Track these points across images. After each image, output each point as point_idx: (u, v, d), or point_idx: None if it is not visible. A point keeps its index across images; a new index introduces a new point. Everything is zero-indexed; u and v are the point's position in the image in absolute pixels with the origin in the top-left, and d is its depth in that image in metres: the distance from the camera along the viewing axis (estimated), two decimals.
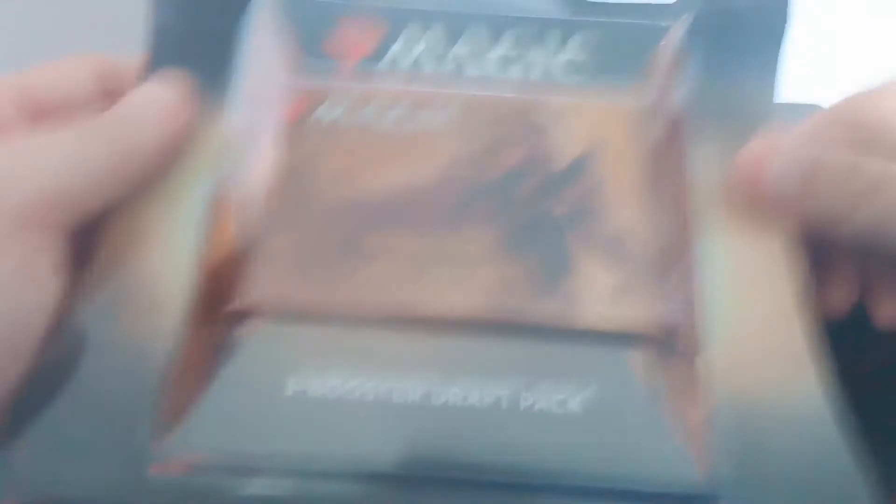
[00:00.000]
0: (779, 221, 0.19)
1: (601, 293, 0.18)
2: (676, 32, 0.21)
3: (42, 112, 0.19)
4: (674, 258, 0.19)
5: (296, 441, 0.17)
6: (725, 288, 0.18)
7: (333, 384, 0.17)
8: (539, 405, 0.17)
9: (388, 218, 0.19)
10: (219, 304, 0.18)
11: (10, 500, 0.16)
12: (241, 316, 0.18)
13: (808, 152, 0.19)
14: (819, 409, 0.17)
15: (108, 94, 0.20)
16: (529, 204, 0.19)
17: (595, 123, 0.20)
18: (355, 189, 0.19)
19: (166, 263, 0.18)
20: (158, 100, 0.19)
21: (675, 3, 0.22)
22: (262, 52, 0.21)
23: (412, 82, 0.21)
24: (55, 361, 0.17)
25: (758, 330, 0.18)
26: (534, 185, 0.19)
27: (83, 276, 0.18)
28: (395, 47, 0.21)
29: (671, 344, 0.18)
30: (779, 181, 0.19)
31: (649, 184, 0.20)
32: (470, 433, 0.17)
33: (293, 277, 0.18)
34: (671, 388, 0.17)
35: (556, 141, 0.20)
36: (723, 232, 0.19)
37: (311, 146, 0.20)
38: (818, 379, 0.17)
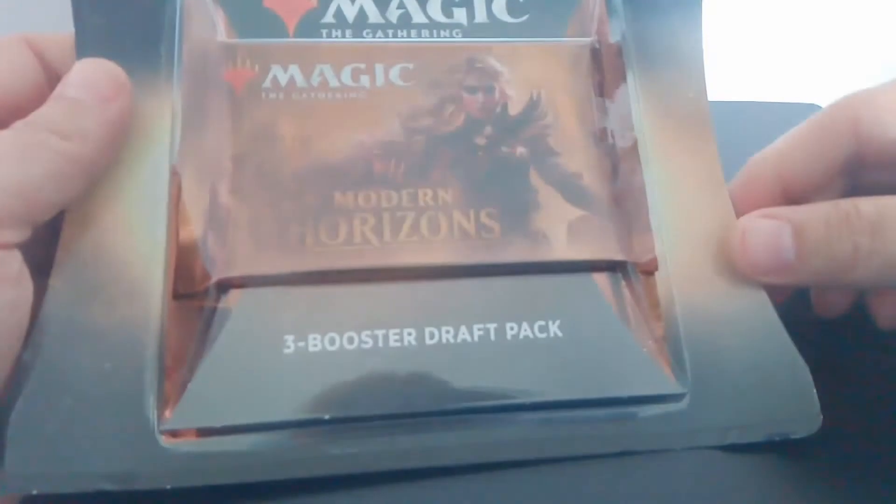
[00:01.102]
0: (710, 145, 0.21)
1: (566, 226, 0.20)
2: None
3: None
4: (625, 187, 0.20)
5: (305, 392, 0.18)
6: (672, 210, 0.20)
7: (331, 337, 0.18)
8: (524, 333, 0.19)
9: (358, 176, 0.19)
10: (199, 277, 0.18)
11: (24, 491, 0.16)
12: (225, 287, 0.18)
13: (789, 215, 0.19)
14: (762, 310, 0.20)
15: (50, 70, 0.19)
16: (491, 149, 0.20)
17: (543, 63, 0.21)
18: (321, 151, 0.19)
19: (134, 243, 0.18)
20: (94, 81, 0.18)
21: None
22: (198, 14, 0.20)
23: (359, 33, 0.21)
24: (43, 356, 0.17)
25: (704, 244, 0.20)
26: (493, 130, 0.20)
27: (51, 269, 0.18)
28: None
29: (632, 266, 0.20)
30: (768, 257, 0.19)
31: (597, 118, 0.21)
32: (466, 365, 0.18)
33: (272, 243, 0.18)
34: (636, 305, 0.20)
35: (509, 83, 0.21)
36: (663, 159, 0.21)
37: (268, 111, 0.20)
38: (756, 285, 0.20)
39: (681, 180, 0.21)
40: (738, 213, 0.20)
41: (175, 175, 0.19)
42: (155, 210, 0.18)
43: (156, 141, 0.19)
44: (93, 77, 0.18)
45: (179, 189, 0.19)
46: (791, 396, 0.19)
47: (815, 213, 0.19)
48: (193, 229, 0.18)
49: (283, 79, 0.20)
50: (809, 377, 0.19)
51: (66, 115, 0.17)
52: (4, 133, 0.17)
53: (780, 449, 0.19)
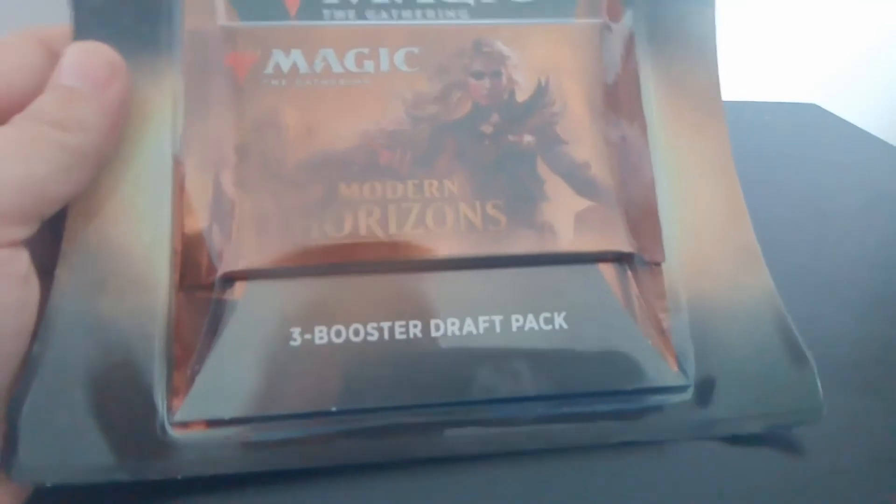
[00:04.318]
0: (721, 132, 0.21)
1: (573, 218, 0.19)
2: None
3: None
4: (633, 176, 0.20)
5: (312, 385, 0.18)
6: (680, 199, 0.20)
7: (337, 329, 0.18)
8: (529, 325, 0.19)
9: (363, 166, 0.19)
10: (205, 270, 0.18)
11: (34, 483, 0.17)
12: (231, 279, 0.18)
13: None
14: (769, 301, 0.20)
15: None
16: (497, 137, 0.20)
17: (551, 47, 0.21)
18: (325, 140, 0.19)
19: (138, 234, 0.18)
20: (88, 67, 0.18)
21: None
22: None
23: (363, 14, 0.20)
24: (52, 348, 0.17)
25: (713, 234, 0.20)
26: (500, 117, 0.20)
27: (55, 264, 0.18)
28: None
29: (639, 257, 0.20)
30: None
31: (607, 104, 0.21)
32: (471, 357, 0.18)
33: (277, 237, 0.18)
34: (642, 296, 0.20)
35: (517, 69, 0.20)
36: (673, 147, 0.20)
37: (271, 99, 0.19)
38: (764, 277, 0.20)
39: (690, 169, 0.20)
40: None
41: (178, 164, 0.19)
42: (158, 200, 0.18)
43: (157, 127, 0.19)
44: (86, 62, 0.18)
45: (183, 179, 0.18)
46: (795, 389, 0.19)
47: None
48: (198, 221, 0.18)
49: (285, 65, 0.20)
50: (814, 370, 0.19)
51: (62, 105, 0.17)
52: (4, 128, 0.16)
53: (782, 441, 0.19)
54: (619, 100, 0.21)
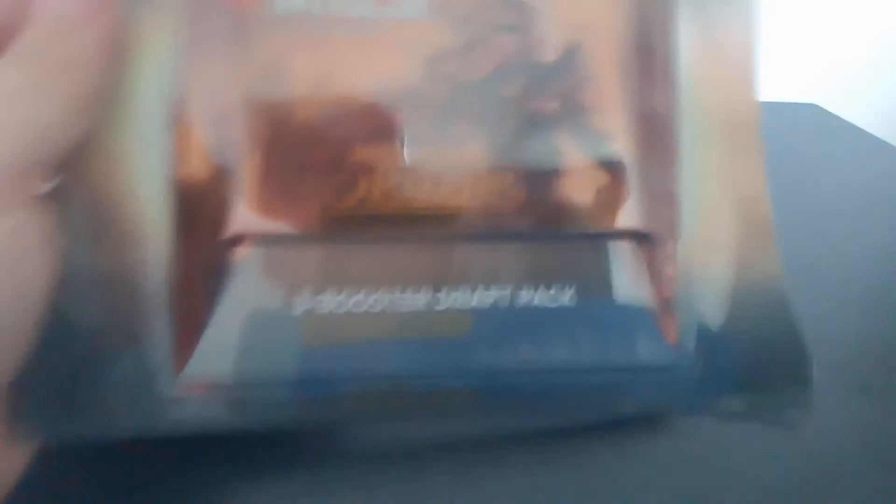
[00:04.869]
0: (753, 100, 0.20)
1: (591, 193, 0.19)
2: None
3: None
4: (658, 150, 0.19)
5: (315, 350, 0.18)
6: (701, 176, 0.19)
7: (339, 300, 0.18)
8: (536, 301, 0.18)
9: (378, 128, 0.18)
10: (207, 229, 0.17)
11: (34, 441, 0.17)
12: (235, 242, 0.17)
13: None
14: (773, 284, 0.20)
15: None
16: (520, 103, 0.19)
17: (581, 4, 0.19)
18: (338, 96, 0.18)
19: (135, 186, 0.17)
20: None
21: None
22: None
23: None
24: (52, 304, 0.17)
25: (728, 214, 0.20)
26: (524, 80, 0.19)
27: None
28: None
29: (654, 236, 0.19)
30: None
31: (638, 70, 0.19)
32: (477, 329, 0.18)
33: (286, 199, 0.17)
34: (652, 275, 0.19)
35: (544, 26, 0.19)
36: (705, 119, 0.19)
37: (277, 43, 0.18)
38: (773, 256, 0.20)
39: (718, 144, 0.20)
40: None
41: (178, 112, 0.17)
42: (155, 151, 0.17)
43: (154, 66, 0.17)
44: None
45: (184, 129, 0.17)
46: (789, 373, 0.20)
47: None
48: (199, 178, 0.17)
49: (296, 4, 0.18)
50: (809, 355, 0.20)
51: (57, 39, 0.15)
52: (9, 70, 0.15)
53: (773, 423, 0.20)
54: (652, 65, 0.19)
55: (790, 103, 0.41)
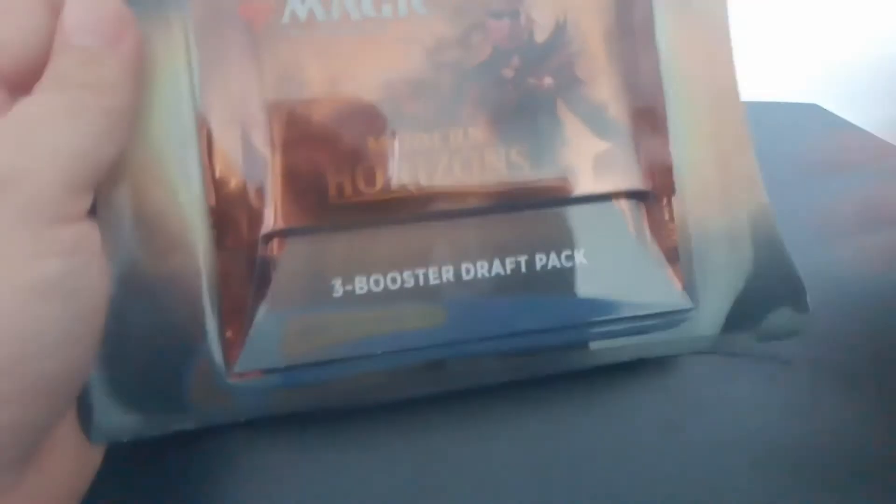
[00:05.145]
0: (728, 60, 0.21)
1: (592, 159, 0.20)
2: None
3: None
4: (647, 112, 0.21)
5: (356, 331, 0.19)
6: (690, 132, 0.21)
7: (376, 278, 0.19)
8: (552, 263, 0.20)
9: (389, 119, 0.19)
10: (245, 229, 0.19)
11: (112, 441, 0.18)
12: (271, 237, 0.19)
13: None
14: (765, 225, 0.21)
15: None
16: (518, 81, 0.20)
17: None
18: (350, 93, 0.19)
19: (171, 195, 0.18)
20: (95, 21, 0.17)
21: None
22: None
23: None
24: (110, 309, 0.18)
25: (717, 163, 0.21)
26: (520, 60, 0.20)
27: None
28: None
29: (652, 193, 0.21)
30: None
31: (623, 40, 0.21)
32: (500, 295, 0.20)
33: (313, 194, 0.19)
34: (654, 228, 0.21)
35: (534, 7, 0.20)
36: (685, 79, 0.21)
37: (291, 51, 0.19)
38: (760, 197, 0.21)
39: (700, 102, 0.21)
40: None
41: (202, 122, 0.18)
42: (186, 160, 0.18)
43: (174, 83, 0.18)
44: (93, 18, 0.17)
45: (210, 138, 0.18)
46: (784, 303, 0.21)
47: None
48: (232, 181, 0.19)
49: (302, 13, 0.19)
50: (803, 285, 0.21)
51: (84, 66, 0.16)
52: (40, 97, 0.16)
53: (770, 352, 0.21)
54: (634, 35, 0.21)
55: (790, 103, 0.41)
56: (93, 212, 0.17)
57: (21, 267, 0.15)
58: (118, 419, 0.18)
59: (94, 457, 0.19)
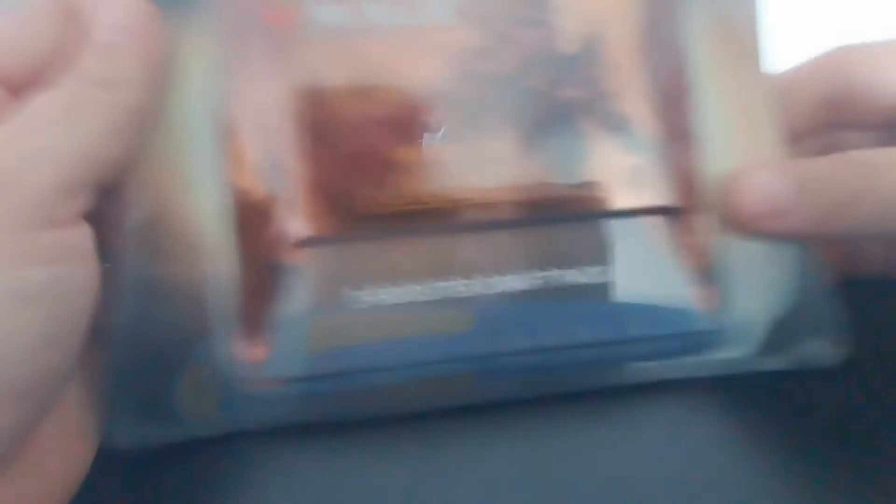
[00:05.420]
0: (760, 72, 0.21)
1: (620, 175, 0.20)
2: None
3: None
4: (678, 128, 0.20)
5: (382, 341, 0.19)
6: (720, 147, 0.21)
7: (402, 290, 0.19)
8: (580, 279, 0.20)
9: (415, 129, 0.19)
10: (270, 238, 0.19)
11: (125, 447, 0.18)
12: (296, 245, 0.19)
13: (791, 166, 0.19)
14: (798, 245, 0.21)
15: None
16: (546, 94, 0.20)
17: None
18: (376, 103, 0.19)
19: (195, 201, 0.18)
20: (125, 19, 0.17)
21: None
22: None
23: None
24: (130, 318, 0.18)
25: None
26: (548, 72, 0.20)
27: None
28: None
29: (681, 209, 0.20)
30: (770, 199, 0.19)
31: (653, 54, 0.21)
32: (526, 310, 0.19)
33: (339, 204, 0.19)
34: (683, 245, 0.20)
35: (564, 19, 0.20)
36: (718, 96, 0.21)
37: (316, 58, 0.19)
38: None
39: (731, 114, 0.21)
40: None
41: (228, 129, 0.18)
42: (211, 166, 0.18)
43: (198, 87, 0.18)
44: (123, 16, 0.17)
45: (235, 145, 0.18)
46: (820, 327, 0.21)
47: (812, 161, 0.19)
48: (256, 189, 0.19)
49: (328, 20, 0.19)
50: (839, 309, 0.21)
51: (106, 63, 0.16)
52: (50, 93, 0.16)
53: (807, 376, 0.21)
54: (665, 48, 0.21)
55: None
56: (95, 211, 0.17)
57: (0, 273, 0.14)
58: (142, 427, 0.18)
59: (84, 455, 0.18)
